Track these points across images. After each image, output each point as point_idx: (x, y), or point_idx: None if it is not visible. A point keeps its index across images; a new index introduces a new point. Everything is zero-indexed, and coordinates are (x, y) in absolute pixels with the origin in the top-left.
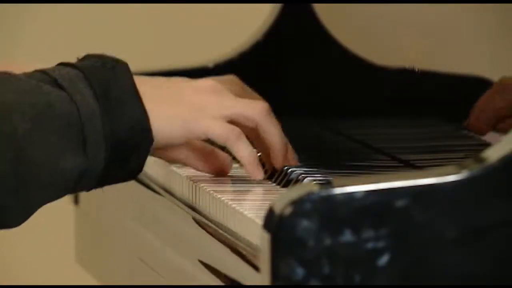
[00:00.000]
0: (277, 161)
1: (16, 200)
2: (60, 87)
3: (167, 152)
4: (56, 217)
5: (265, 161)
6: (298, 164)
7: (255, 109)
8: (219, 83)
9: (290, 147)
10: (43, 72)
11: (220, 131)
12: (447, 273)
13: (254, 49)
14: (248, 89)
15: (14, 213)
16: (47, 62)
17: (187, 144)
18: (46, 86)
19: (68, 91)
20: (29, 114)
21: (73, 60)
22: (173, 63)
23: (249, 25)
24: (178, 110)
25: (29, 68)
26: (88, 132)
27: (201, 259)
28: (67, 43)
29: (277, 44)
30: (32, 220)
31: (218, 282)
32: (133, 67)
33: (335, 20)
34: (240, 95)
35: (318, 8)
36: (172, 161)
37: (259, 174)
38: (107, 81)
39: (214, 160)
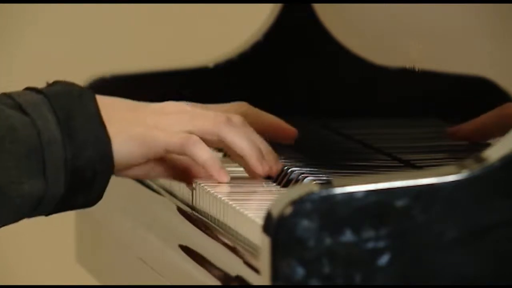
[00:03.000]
0: (254, 168)
1: None
2: (23, 112)
3: (129, 172)
4: (56, 217)
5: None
6: (281, 168)
7: (212, 121)
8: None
9: (269, 151)
10: (8, 96)
11: (176, 139)
12: (447, 273)
13: (254, 49)
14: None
15: None
16: (47, 62)
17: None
18: (9, 110)
19: (31, 116)
20: None
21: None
22: (173, 63)
23: (249, 25)
24: (137, 130)
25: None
26: (48, 157)
27: (201, 259)
28: (67, 43)
29: (277, 44)
30: (33, 220)
31: (218, 282)
32: (133, 67)
33: (335, 20)
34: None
35: (318, 8)
36: (136, 178)
37: (223, 176)
38: (71, 109)
39: (178, 166)
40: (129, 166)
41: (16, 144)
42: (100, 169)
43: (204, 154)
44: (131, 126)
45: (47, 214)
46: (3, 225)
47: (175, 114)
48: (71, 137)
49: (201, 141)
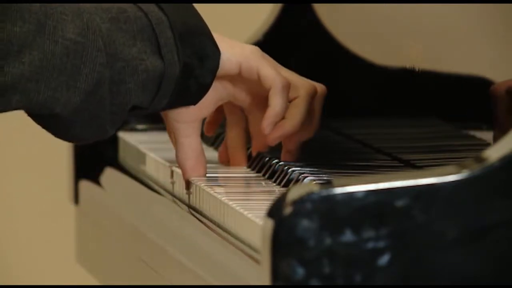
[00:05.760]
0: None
1: (112, 102)
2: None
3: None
4: (56, 217)
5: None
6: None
7: (301, 86)
8: None
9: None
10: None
11: (274, 73)
12: (447, 273)
13: None
14: None
15: (110, 116)
16: None
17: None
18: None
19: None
20: (106, 16)
21: None
22: None
23: (249, 25)
24: (240, 45)
25: None
26: (160, 37)
27: (201, 259)
28: None
29: (277, 44)
30: (33, 219)
31: (218, 282)
32: None
33: (335, 20)
34: None
35: (318, 8)
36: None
37: (268, 129)
38: (167, 5)
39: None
40: (221, 74)
41: (129, 25)
42: (207, 52)
43: (280, 101)
44: (235, 42)
45: (164, 108)
46: (133, 104)
47: None
48: (175, 21)
49: (288, 90)
